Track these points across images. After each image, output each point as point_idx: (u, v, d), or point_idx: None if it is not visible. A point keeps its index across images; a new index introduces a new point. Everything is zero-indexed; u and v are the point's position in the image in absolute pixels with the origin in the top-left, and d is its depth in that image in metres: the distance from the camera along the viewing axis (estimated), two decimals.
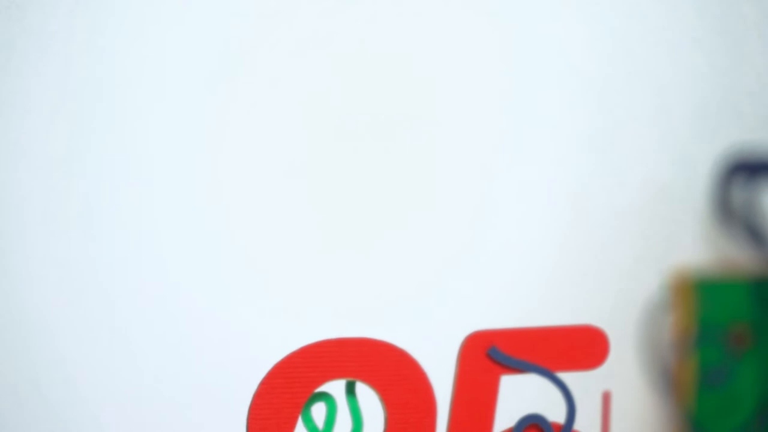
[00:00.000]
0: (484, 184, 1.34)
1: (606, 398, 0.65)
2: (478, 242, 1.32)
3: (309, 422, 0.61)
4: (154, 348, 1.14)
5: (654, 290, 1.43)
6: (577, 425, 0.62)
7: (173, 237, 1.17)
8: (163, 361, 1.15)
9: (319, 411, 0.61)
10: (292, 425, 0.60)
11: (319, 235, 1.23)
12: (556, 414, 0.62)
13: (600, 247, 1.44)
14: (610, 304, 1.49)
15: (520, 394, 0.72)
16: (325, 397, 0.61)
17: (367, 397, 0.62)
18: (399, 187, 1.29)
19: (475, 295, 1.23)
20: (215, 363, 1.05)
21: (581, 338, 0.62)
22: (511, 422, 0.61)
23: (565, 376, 0.62)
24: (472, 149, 1.17)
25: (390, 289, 1.26)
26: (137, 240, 1.10)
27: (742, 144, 1.36)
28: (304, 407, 0.61)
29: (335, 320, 0.90)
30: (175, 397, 1.14)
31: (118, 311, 0.99)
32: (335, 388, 0.61)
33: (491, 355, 0.61)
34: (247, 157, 1.01)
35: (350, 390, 0.62)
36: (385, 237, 1.30)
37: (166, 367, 1.13)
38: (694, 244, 1.44)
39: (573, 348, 0.62)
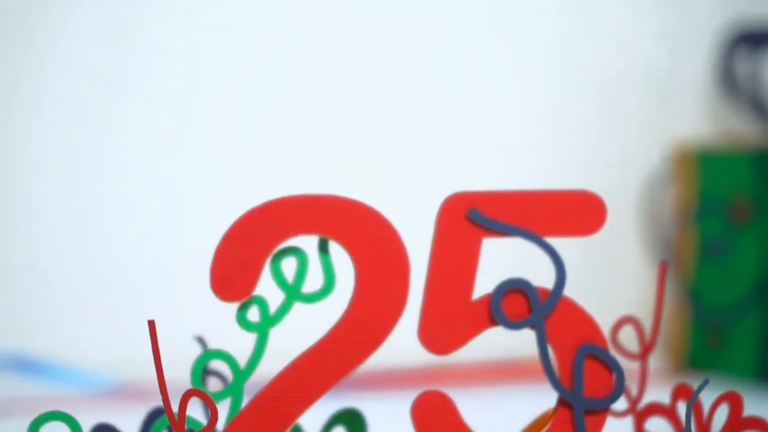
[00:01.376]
0: (477, 47, 1.30)
1: (662, 268, 0.61)
2: (467, 108, 1.29)
3: (278, 276, 0.59)
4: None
5: (654, 162, 1.42)
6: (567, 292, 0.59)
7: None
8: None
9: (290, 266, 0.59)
10: (255, 278, 0.58)
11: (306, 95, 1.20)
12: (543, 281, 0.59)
13: (599, 117, 1.42)
14: (609, 176, 1.48)
15: (506, 261, 0.70)
16: (296, 251, 0.59)
17: (340, 256, 0.59)
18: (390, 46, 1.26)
19: (463, 159, 1.20)
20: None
21: (574, 203, 0.58)
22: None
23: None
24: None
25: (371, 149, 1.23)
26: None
27: (747, 15, 1.32)
28: (275, 261, 0.58)
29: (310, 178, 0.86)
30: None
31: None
32: (308, 244, 0.59)
33: (471, 217, 0.58)
34: None
35: (323, 248, 0.59)
36: (368, 93, 1.27)
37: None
38: (696, 116, 1.41)
39: (564, 212, 0.58)
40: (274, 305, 0.59)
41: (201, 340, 0.64)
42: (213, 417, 0.54)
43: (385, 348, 0.59)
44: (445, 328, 0.58)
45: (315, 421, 0.64)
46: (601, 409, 0.58)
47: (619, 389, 0.58)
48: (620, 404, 0.66)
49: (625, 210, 1.42)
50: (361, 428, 0.64)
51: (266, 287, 0.59)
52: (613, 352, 0.61)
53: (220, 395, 0.58)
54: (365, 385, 0.92)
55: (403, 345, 0.63)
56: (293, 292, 0.59)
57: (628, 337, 0.63)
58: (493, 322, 0.58)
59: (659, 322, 0.65)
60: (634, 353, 0.64)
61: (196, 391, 0.55)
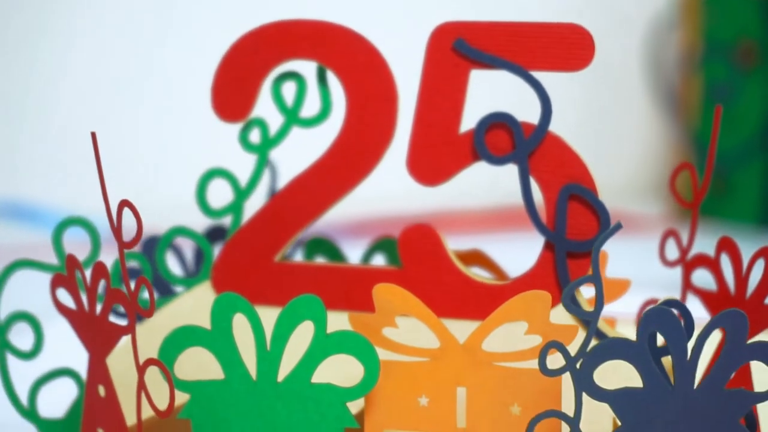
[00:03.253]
0: None
1: (717, 113, 0.58)
2: None
3: (279, 99, 0.61)
4: None
5: (660, 5, 1.30)
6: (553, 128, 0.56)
7: None
8: None
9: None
10: (252, 97, 0.60)
11: None
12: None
13: None
14: (613, 20, 1.37)
15: (494, 96, 0.67)
16: (295, 76, 0.61)
17: (338, 86, 0.60)
18: None
19: None
20: None
21: (562, 37, 0.55)
22: None
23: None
24: None
25: None
26: None
27: None
28: (276, 85, 0.61)
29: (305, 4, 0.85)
30: None
31: None
32: (308, 71, 0.60)
33: (457, 48, 0.56)
34: None
35: (321, 76, 0.60)
36: None
37: None
38: None
39: (552, 46, 0.55)
40: (274, 129, 0.61)
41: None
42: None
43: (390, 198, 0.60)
44: (432, 158, 0.58)
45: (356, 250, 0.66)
46: (584, 253, 0.56)
47: (603, 232, 0.55)
48: (671, 253, 0.63)
49: (630, 54, 1.32)
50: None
51: (267, 111, 0.61)
52: (670, 198, 0.58)
53: (222, 212, 0.62)
54: (369, 232, 0.91)
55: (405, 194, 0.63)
56: (292, 116, 0.61)
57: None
58: (478, 156, 0.57)
59: (711, 168, 0.60)
60: (687, 201, 0.61)
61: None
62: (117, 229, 0.54)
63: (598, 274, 0.50)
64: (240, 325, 0.54)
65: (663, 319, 0.50)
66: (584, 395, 0.50)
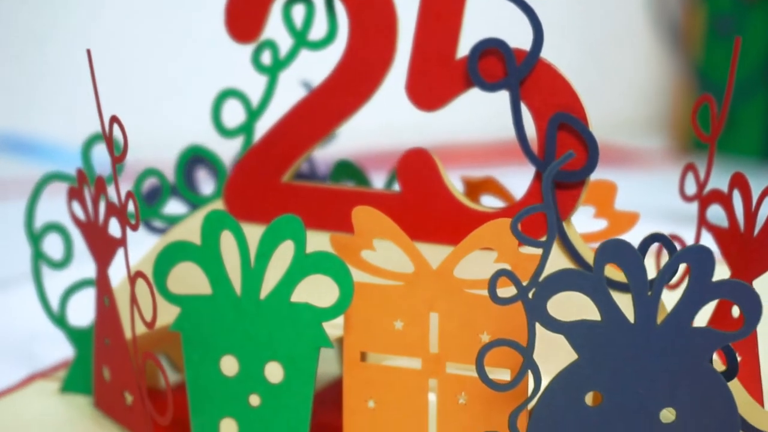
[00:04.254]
0: None
1: (737, 44, 0.56)
2: None
3: (289, 22, 0.62)
4: None
5: None
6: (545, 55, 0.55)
7: None
8: None
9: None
10: (262, 18, 0.61)
11: None
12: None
13: None
14: None
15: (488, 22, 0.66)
16: (305, 1, 0.62)
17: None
18: None
19: None
20: None
21: None
22: None
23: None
24: None
25: None
26: None
27: None
28: (286, 8, 0.61)
29: None
30: None
31: None
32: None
33: None
34: None
35: (329, 3, 0.61)
36: None
37: None
38: None
39: None
40: (284, 52, 0.62)
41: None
42: None
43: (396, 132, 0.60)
44: (429, 83, 0.57)
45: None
46: (573, 183, 0.55)
47: (592, 163, 0.54)
48: (690, 188, 0.61)
49: None
50: None
51: (278, 34, 0.61)
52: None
53: (235, 132, 0.63)
54: (378, 165, 0.89)
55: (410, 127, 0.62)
56: (301, 39, 0.61)
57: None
58: (472, 82, 0.56)
59: (729, 102, 0.58)
60: (706, 135, 0.59)
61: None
62: (109, 143, 0.56)
63: (550, 203, 0.49)
64: (233, 243, 0.55)
65: (620, 251, 0.49)
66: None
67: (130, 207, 0.55)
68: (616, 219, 0.62)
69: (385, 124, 0.77)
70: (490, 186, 0.65)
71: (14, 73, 1.38)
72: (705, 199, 0.60)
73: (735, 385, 0.54)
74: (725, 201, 0.59)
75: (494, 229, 0.53)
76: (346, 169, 0.70)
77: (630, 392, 0.50)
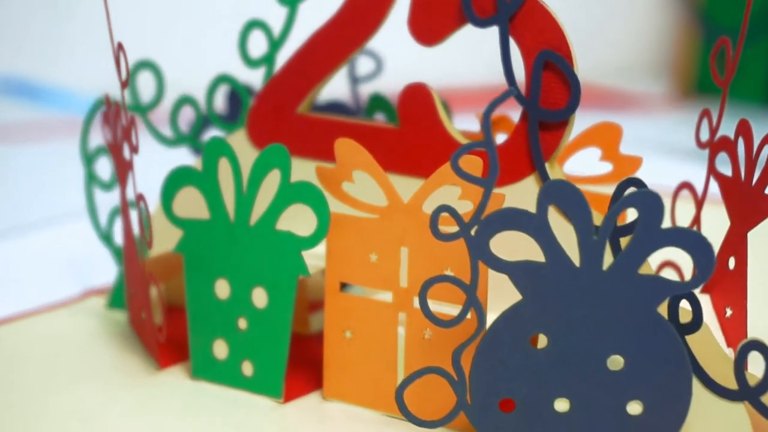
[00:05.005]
0: None
1: None
2: None
3: None
4: None
5: None
6: None
7: None
8: None
9: None
10: None
11: None
12: None
13: None
14: None
15: None
16: None
17: None
18: None
19: None
20: None
21: None
22: None
23: None
24: None
25: None
26: None
27: None
28: None
29: None
30: None
31: None
32: None
33: None
34: None
35: None
36: None
37: None
38: None
39: None
40: None
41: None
42: None
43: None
44: (429, 18, 0.57)
45: None
46: (556, 123, 0.54)
47: (573, 104, 0.53)
48: (704, 134, 0.60)
49: None
50: None
51: None
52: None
53: (258, 62, 0.64)
54: None
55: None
56: None
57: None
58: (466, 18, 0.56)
59: (742, 46, 0.56)
60: (720, 78, 0.57)
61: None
62: (117, 69, 0.58)
63: (490, 140, 0.48)
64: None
65: (563, 193, 0.48)
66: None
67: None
68: (620, 162, 0.60)
69: (431, 65, 0.76)
70: (505, 124, 0.64)
71: (20, 16, 1.38)
72: (715, 146, 0.58)
73: (704, 337, 0.52)
74: (731, 148, 0.56)
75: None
76: (380, 103, 0.70)
77: (576, 337, 0.50)
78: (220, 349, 0.59)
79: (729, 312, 0.56)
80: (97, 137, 0.70)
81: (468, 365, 0.51)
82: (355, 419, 0.55)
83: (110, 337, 0.65)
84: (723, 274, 0.56)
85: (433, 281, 0.51)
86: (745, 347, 0.49)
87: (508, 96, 0.49)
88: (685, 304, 0.51)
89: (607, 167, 0.61)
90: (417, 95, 0.58)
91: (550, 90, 0.54)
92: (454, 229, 0.51)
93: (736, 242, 0.56)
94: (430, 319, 0.51)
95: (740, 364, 0.49)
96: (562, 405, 0.51)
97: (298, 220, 0.56)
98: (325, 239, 0.56)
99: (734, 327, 0.55)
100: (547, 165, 0.54)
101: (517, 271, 0.49)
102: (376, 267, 0.55)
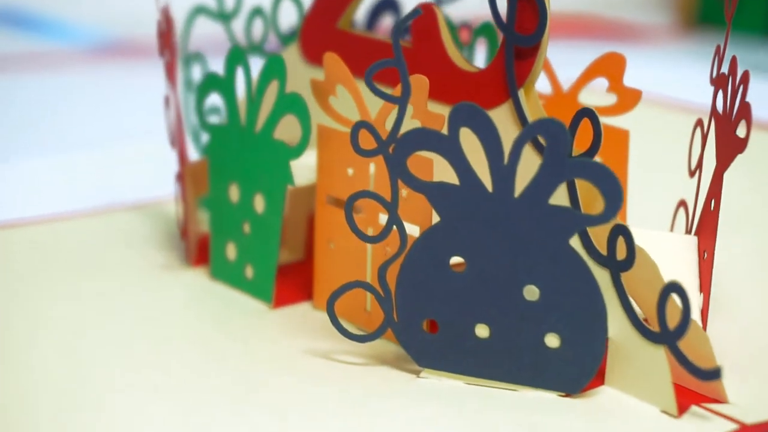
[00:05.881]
0: None
1: None
2: None
3: None
4: None
5: None
6: None
7: None
8: None
9: None
10: None
11: None
12: None
13: None
14: None
15: None
16: None
17: None
18: None
19: None
20: None
21: None
22: None
23: None
24: None
25: None
26: None
27: None
28: None
29: None
30: None
31: None
32: None
33: None
34: None
35: None
36: None
37: None
38: None
39: None
40: None
41: None
42: None
43: None
44: None
45: None
46: (529, 50, 0.53)
47: (541, 29, 0.52)
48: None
49: None
50: None
51: None
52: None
53: None
54: None
55: None
56: None
57: None
58: None
59: None
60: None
61: None
62: None
63: (400, 58, 0.48)
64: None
65: (473, 116, 0.47)
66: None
67: None
68: (623, 95, 0.58)
69: None
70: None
71: None
72: (715, 83, 0.55)
73: (645, 279, 0.50)
74: (724, 85, 0.53)
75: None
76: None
77: (492, 263, 0.49)
78: (231, 252, 0.62)
79: (705, 255, 0.53)
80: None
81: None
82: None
83: (154, 238, 0.69)
84: (707, 216, 0.54)
85: (356, 196, 0.51)
86: (665, 289, 0.47)
87: (414, 16, 0.49)
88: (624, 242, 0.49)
89: (612, 99, 0.59)
90: (426, 15, 0.58)
91: (522, 14, 0.52)
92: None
93: (716, 183, 0.53)
94: (355, 233, 0.52)
95: (662, 306, 0.47)
96: (482, 331, 0.50)
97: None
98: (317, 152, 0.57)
99: (706, 270, 0.53)
100: (522, 93, 0.53)
101: (434, 192, 0.49)
102: (352, 180, 0.56)
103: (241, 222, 0.60)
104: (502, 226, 0.48)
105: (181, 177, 0.64)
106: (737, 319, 0.57)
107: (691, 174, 0.57)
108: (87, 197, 0.76)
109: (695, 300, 0.52)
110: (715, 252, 0.52)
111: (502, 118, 0.53)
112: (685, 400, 0.49)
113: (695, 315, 0.52)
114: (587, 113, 0.51)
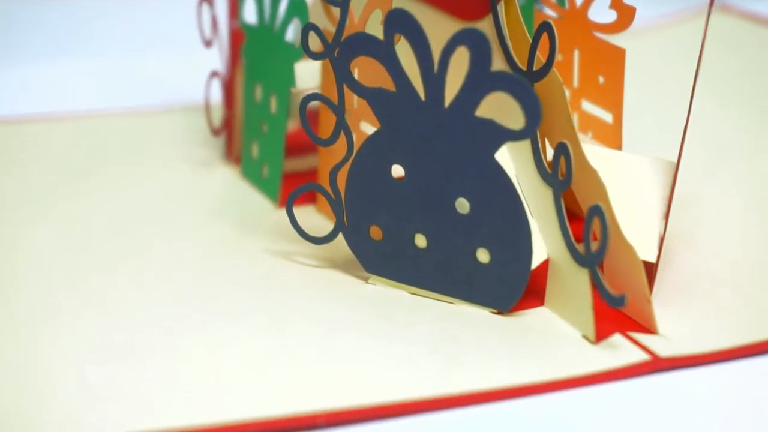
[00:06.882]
0: None
1: None
2: None
3: None
4: None
5: None
6: None
7: None
8: None
9: None
10: None
11: None
12: None
13: None
14: None
15: None
16: None
17: None
18: None
19: None
20: None
21: None
22: None
23: None
24: None
25: None
26: None
27: None
28: None
29: None
30: None
31: None
32: None
33: None
34: None
35: None
36: None
37: None
38: None
39: None
40: None
41: None
42: None
43: None
44: None
45: None
46: None
47: None
48: None
49: None
50: None
51: None
52: None
53: None
54: None
55: None
56: None
57: None
58: None
59: None
60: None
61: None
62: None
63: None
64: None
65: (405, 22, 0.47)
66: None
67: None
68: (621, 12, 0.55)
69: None
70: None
71: None
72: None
73: (594, 201, 0.48)
74: None
75: None
76: None
77: (426, 173, 0.49)
78: (255, 151, 0.63)
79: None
80: None
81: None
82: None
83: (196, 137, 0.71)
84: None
85: (309, 98, 0.52)
86: (589, 212, 0.46)
87: None
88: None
89: (613, 15, 0.56)
90: None
91: None
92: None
93: None
94: (311, 137, 0.52)
95: (587, 229, 0.46)
96: (421, 241, 0.50)
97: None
98: None
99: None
100: (502, 7, 0.52)
101: (374, 98, 0.49)
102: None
103: (260, 122, 0.62)
104: (434, 136, 0.48)
105: (222, 75, 0.66)
106: (702, 251, 0.54)
107: None
108: (120, 98, 0.80)
109: (655, 226, 0.50)
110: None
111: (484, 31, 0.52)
112: (612, 326, 0.48)
113: (652, 242, 0.50)
114: (545, 27, 0.49)
